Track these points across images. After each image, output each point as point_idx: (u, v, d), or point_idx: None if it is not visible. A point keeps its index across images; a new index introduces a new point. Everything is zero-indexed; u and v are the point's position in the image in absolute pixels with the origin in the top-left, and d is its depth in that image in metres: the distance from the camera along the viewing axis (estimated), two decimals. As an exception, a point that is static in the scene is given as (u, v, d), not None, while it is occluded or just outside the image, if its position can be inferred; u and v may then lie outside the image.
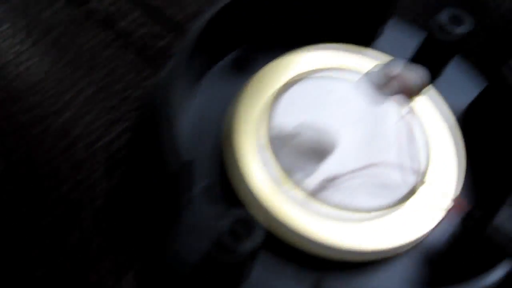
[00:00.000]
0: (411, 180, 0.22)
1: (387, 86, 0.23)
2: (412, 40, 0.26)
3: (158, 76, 0.26)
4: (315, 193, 0.21)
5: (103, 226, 0.22)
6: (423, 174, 0.22)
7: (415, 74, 0.23)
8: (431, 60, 0.25)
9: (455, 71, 0.26)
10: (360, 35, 0.26)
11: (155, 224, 0.21)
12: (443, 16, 0.24)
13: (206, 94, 0.24)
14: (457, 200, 0.21)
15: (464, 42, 0.24)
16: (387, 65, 0.24)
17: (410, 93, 0.24)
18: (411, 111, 0.23)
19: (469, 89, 0.26)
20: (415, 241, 0.21)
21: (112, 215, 0.22)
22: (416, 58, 0.26)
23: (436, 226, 0.21)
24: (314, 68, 0.24)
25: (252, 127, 0.22)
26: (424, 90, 0.24)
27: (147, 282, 0.21)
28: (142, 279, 0.21)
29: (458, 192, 0.22)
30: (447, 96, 0.25)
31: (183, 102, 0.23)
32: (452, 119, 0.24)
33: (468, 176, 0.23)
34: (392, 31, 0.27)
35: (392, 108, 0.23)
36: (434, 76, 0.26)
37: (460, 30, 0.24)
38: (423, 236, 0.21)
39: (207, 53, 0.23)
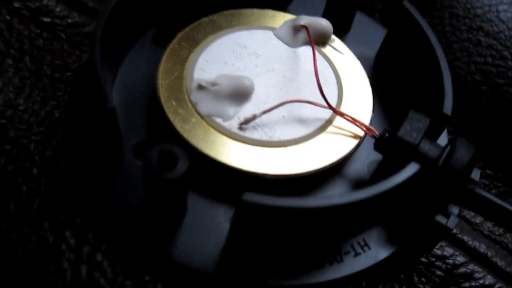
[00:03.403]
0: (326, 113, 0.23)
1: (297, 36, 0.25)
2: (319, 2, 0.29)
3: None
4: (236, 129, 0.22)
5: (42, 189, 0.23)
6: (337, 108, 0.24)
7: (320, 23, 0.26)
8: (338, 15, 0.28)
9: (361, 26, 0.29)
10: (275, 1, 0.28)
11: (94, 177, 0.22)
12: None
13: (133, 64, 0.26)
14: (368, 127, 0.23)
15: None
16: (295, 19, 0.26)
17: (318, 40, 0.26)
18: (322, 55, 0.25)
19: (376, 38, 0.28)
20: (336, 162, 0.22)
21: (51, 180, 0.23)
22: (325, 15, 0.28)
23: (354, 149, 0.23)
24: (228, 27, 0.26)
25: (175, 83, 0.24)
26: (331, 39, 0.26)
27: (90, 234, 0.22)
28: (82, 235, 0.22)
29: (369, 121, 0.24)
30: (357, 46, 0.28)
31: (110, 75, 0.24)
32: (358, 62, 0.26)
33: (377, 107, 0.25)
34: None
35: (303, 54, 0.25)
36: (343, 30, 0.28)
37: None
38: (342, 158, 0.23)
39: (128, 28, 0.25)
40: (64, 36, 0.29)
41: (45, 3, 0.30)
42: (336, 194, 0.21)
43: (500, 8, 0.30)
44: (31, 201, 0.23)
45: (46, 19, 0.30)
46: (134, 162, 0.23)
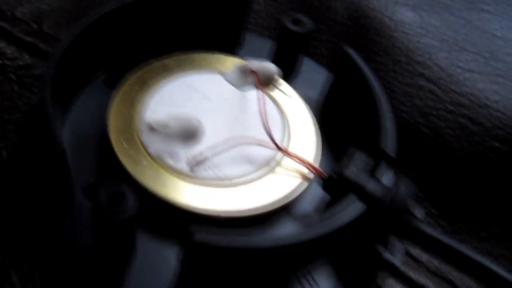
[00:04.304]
0: (274, 154, 0.24)
1: (246, 79, 0.26)
2: (268, 47, 0.30)
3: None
4: (186, 170, 0.23)
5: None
6: (284, 148, 0.24)
7: (268, 68, 0.27)
8: (284, 60, 0.29)
9: (308, 70, 0.30)
10: (222, 44, 0.29)
11: (42, 219, 0.22)
12: (287, 20, 0.28)
13: (84, 106, 0.26)
14: (316, 168, 0.24)
15: (306, 39, 0.28)
16: (245, 63, 0.27)
17: (266, 84, 0.27)
18: (270, 98, 0.26)
19: (322, 82, 0.29)
20: (285, 202, 0.23)
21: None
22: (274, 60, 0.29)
23: (303, 190, 0.24)
24: (179, 70, 0.26)
25: (126, 124, 0.24)
26: (279, 81, 0.27)
27: (35, 281, 0.22)
28: (28, 279, 0.22)
29: (317, 162, 0.25)
30: (305, 90, 0.29)
31: (60, 117, 0.24)
32: (306, 105, 0.27)
33: (326, 148, 0.26)
34: (251, 42, 0.31)
35: (252, 96, 0.26)
36: (291, 74, 0.29)
37: (301, 29, 0.28)
38: (291, 198, 0.23)
39: (79, 71, 0.25)
40: (14, 78, 0.29)
41: (-4, 45, 0.30)
42: (283, 234, 0.21)
43: (440, 55, 0.31)
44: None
45: (-4, 61, 0.30)
46: (85, 204, 0.22)
